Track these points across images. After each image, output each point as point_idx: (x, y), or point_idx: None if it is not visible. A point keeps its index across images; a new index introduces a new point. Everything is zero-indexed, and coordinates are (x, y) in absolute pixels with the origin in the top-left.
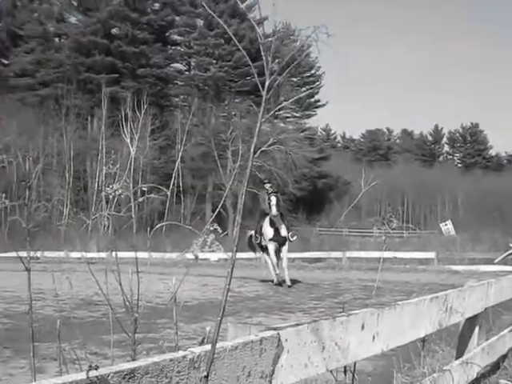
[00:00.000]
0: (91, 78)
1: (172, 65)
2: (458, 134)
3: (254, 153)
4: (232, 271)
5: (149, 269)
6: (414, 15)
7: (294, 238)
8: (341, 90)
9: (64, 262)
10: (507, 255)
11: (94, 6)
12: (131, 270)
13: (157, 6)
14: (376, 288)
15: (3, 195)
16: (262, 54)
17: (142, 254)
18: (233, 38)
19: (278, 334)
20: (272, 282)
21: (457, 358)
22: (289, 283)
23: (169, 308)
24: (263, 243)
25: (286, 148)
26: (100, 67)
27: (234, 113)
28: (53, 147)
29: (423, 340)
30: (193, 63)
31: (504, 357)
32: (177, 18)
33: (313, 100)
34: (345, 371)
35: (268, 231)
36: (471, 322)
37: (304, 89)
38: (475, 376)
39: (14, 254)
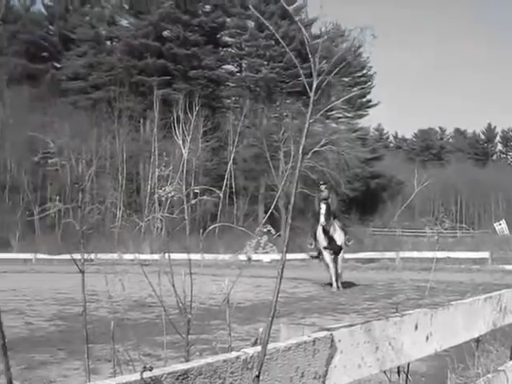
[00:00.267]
0: (143, 80)
1: (223, 66)
2: (511, 133)
3: (306, 153)
4: (282, 272)
5: (202, 270)
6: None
7: (351, 242)
8: (392, 89)
9: (117, 264)
10: None
11: (145, 8)
12: (184, 271)
13: (208, 7)
14: (429, 288)
15: (57, 198)
16: (309, 55)
17: (194, 256)
18: (280, 40)
19: (332, 334)
20: (330, 285)
21: (511, 359)
22: (334, 289)
23: (222, 309)
24: (318, 247)
25: (338, 148)
26: (152, 70)
27: (285, 114)
28: (106, 150)
29: (477, 340)
30: (244, 65)
31: None
32: (228, 20)
33: (364, 100)
34: (398, 372)
35: (321, 239)
36: None
37: (355, 89)
38: None
39: (67, 256)
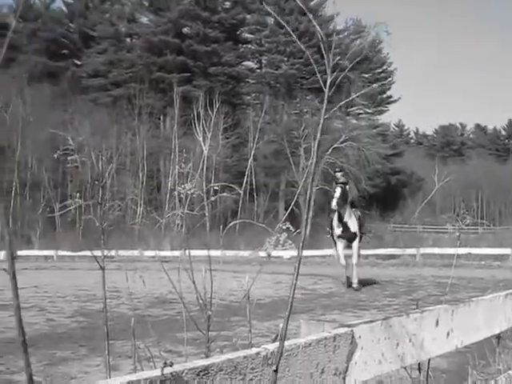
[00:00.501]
0: (163, 77)
1: (243, 63)
2: None
3: (326, 150)
4: (299, 268)
5: (222, 267)
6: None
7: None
8: (413, 85)
9: (138, 261)
10: None
11: (165, 5)
12: (204, 268)
13: (228, 4)
14: (450, 284)
15: (77, 195)
16: (323, 52)
17: (215, 252)
18: (295, 39)
19: (352, 330)
20: (350, 285)
21: None
22: (355, 286)
23: (242, 306)
24: (334, 238)
25: (358, 144)
26: (172, 66)
27: (305, 110)
28: (126, 147)
29: (498, 337)
30: (264, 61)
31: None
32: (248, 16)
33: (385, 96)
34: (419, 368)
35: (336, 226)
36: None
37: (375, 85)
38: None
39: (88, 252)
